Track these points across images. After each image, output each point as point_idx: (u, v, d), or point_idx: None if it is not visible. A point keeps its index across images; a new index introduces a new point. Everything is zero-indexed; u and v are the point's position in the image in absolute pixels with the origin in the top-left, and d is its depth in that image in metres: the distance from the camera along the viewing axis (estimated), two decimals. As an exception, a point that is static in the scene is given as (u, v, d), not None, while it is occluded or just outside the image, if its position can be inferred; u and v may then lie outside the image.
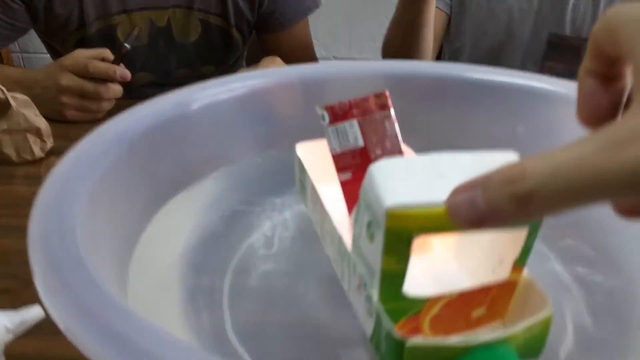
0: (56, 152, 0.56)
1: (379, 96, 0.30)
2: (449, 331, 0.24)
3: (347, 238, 0.27)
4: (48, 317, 0.20)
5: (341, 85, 0.44)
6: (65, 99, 0.62)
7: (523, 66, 0.85)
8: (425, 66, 0.46)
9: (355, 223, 0.24)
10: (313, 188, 0.32)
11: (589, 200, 0.15)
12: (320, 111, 0.29)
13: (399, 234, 0.21)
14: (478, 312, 0.25)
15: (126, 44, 0.64)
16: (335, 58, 1.58)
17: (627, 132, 0.15)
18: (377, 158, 0.30)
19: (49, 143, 0.57)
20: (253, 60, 0.81)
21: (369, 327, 0.24)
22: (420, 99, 0.45)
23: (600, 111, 0.20)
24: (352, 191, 0.29)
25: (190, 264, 0.34)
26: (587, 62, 0.20)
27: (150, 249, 0.33)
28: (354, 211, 0.27)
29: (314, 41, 0.91)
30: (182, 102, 0.37)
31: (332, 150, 0.29)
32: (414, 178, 0.22)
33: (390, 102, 0.31)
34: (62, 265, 0.23)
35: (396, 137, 0.31)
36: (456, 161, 0.22)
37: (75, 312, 0.20)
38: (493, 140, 0.43)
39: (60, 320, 0.20)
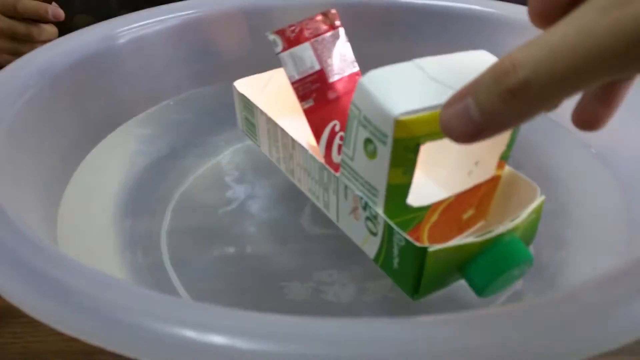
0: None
1: (327, 15, 0.29)
2: (445, 237, 0.25)
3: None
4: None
5: (283, 16, 0.42)
6: None
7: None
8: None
9: (346, 145, 0.23)
10: (270, 122, 0.30)
11: (591, 80, 0.14)
12: (271, 37, 0.27)
13: (407, 143, 0.21)
14: (468, 213, 0.25)
15: None
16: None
17: None
18: (334, 80, 0.29)
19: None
20: None
21: (372, 247, 0.24)
22: (367, 27, 0.43)
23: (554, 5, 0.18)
24: (316, 119, 0.28)
25: (126, 205, 0.33)
26: None
27: (81, 191, 0.31)
28: (323, 137, 0.28)
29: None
30: (110, 35, 0.35)
31: (290, 77, 0.28)
32: (408, 85, 0.21)
33: (339, 20, 0.29)
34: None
35: (350, 56, 0.30)
36: (441, 64, 0.21)
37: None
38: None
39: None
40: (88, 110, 0.33)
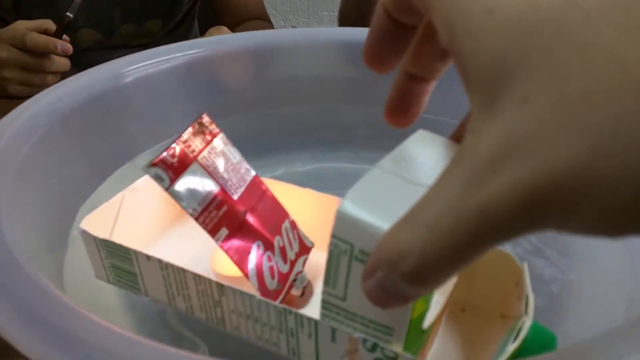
0: None
1: (202, 124, 0.25)
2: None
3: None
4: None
5: (291, 54, 0.43)
6: (6, 73, 0.59)
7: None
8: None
9: (329, 285, 0.20)
10: (170, 268, 0.24)
11: (480, 252, 0.13)
12: (152, 171, 0.22)
13: None
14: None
15: (69, 13, 0.61)
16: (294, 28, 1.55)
17: (482, 159, 0.13)
18: (239, 196, 0.25)
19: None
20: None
21: None
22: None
23: (385, 55, 0.18)
24: (236, 248, 0.24)
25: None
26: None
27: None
28: (251, 267, 0.24)
29: (272, 11, 0.88)
30: (117, 75, 0.35)
31: (192, 212, 0.23)
32: (395, 200, 0.18)
33: (214, 124, 0.26)
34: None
35: (241, 160, 0.26)
36: (403, 160, 0.19)
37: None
38: (450, 109, 0.43)
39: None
40: (96, 148, 0.34)
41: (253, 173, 0.26)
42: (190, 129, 0.24)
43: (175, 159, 0.23)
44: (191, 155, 0.24)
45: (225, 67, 0.41)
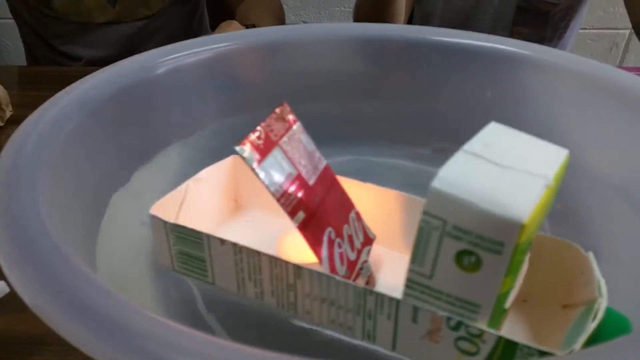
0: (16, 121, 0.54)
1: (283, 111, 0.26)
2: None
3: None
4: (13, 292, 0.20)
5: (310, 50, 0.43)
6: None
7: (493, 31, 0.85)
8: (396, 29, 0.46)
9: (416, 262, 0.20)
10: (244, 251, 0.24)
11: None
12: (242, 152, 0.23)
13: (525, 246, 0.19)
14: None
15: None
16: (305, 23, 1.55)
17: None
18: (314, 183, 0.26)
19: (8, 112, 0.55)
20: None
21: None
22: (391, 62, 0.44)
23: None
24: (311, 232, 0.25)
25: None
26: None
27: (118, 220, 0.32)
28: (324, 251, 0.24)
29: (284, 6, 0.89)
30: (146, 66, 0.36)
31: (274, 192, 0.24)
32: (488, 181, 0.19)
33: (292, 112, 0.27)
34: (26, 237, 0.22)
35: (315, 149, 0.27)
36: (489, 145, 0.20)
37: (41, 286, 0.20)
38: (462, 105, 0.43)
39: (26, 295, 0.19)
40: (125, 141, 0.34)
41: (325, 162, 0.27)
42: (272, 115, 0.25)
43: (261, 141, 0.24)
44: (274, 139, 0.25)
45: (248, 62, 0.41)
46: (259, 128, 0.24)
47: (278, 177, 0.24)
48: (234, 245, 0.24)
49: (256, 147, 0.24)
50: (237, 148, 0.23)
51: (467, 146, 0.20)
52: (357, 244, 0.27)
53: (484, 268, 0.19)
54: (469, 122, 0.44)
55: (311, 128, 0.45)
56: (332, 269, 0.25)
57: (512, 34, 0.85)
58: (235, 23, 0.72)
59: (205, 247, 0.25)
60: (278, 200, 0.24)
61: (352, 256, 0.27)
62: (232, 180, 0.32)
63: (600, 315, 0.22)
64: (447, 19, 0.87)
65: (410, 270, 0.21)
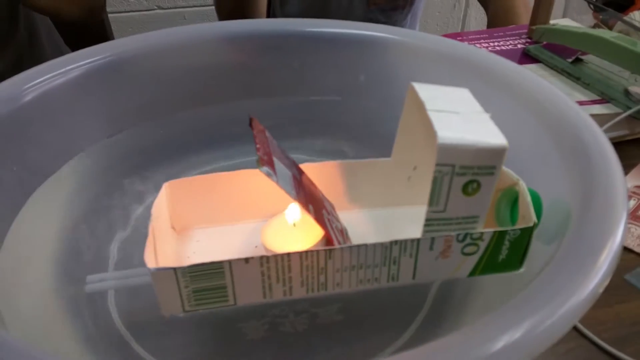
0: None
1: (256, 124, 0.28)
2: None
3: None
4: None
5: (184, 53, 0.42)
6: None
7: (350, 4, 0.88)
8: (265, 24, 0.46)
9: (434, 204, 0.25)
10: (273, 259, 0.25)
11: None
12: (265, 170, 0.25)
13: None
14: None
15: None
16: (160, 7, 1.48)
17: None
18: (297, 174, 0.29)
19: None
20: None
21: (466, 268, 0.27)
22: (265, 58, 0.45)
23: None
24: (319, 218, 0.28)
25: (64, 272, 0.32)
26: None
27: (13, 265, 0.30)
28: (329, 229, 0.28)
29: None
30: (13, 97, 0.33)
31: (294, 197, 0.26)
32: (466, 127, 0.24)
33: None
34: None
35: (283, 149, 0.29)
36: (441, 97, 0.26)
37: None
38: (338, 91, 0.45)
39: None
40: (3, 177, 0.32)
41: (290, 156, 0.30)
42: (255, 129, 0.27)
43: (266, 156, 0.25)
44: (268, 149, 0.26)
45: (120, 75, 0.39)
46: (258, 145, 0.26)
47: (289, 182, 0.26)
48: (261, 258, 0.25)
49: (268, 162, 0.25)
50: (262, 169, 0.25)
51: (430, 105, 0.25)
52: (335, 214, 0.31)
53: (482, 189, 0.25)
54: (347, 106, 0.46)
55: (197, 134, 0.45)
56: (339, 241, 0.28)
57: (368, 4, 0.89)
58: None
59: (226, 274, 0.25)
60: (300, 204, 0.27)
61: (339, 226, 0.30)
62: (170, 209, 0.32)
63: (527, 191, 0.28)
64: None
65: (428, 212, 0.25)
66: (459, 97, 0.27)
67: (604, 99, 0.51)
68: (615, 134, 0.49)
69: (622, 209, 0.24)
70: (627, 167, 0.44)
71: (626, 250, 0.38)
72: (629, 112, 0.48)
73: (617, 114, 0.48)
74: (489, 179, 0.25)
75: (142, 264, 0.27)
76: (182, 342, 0.29)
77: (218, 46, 0.44)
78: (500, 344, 0.18)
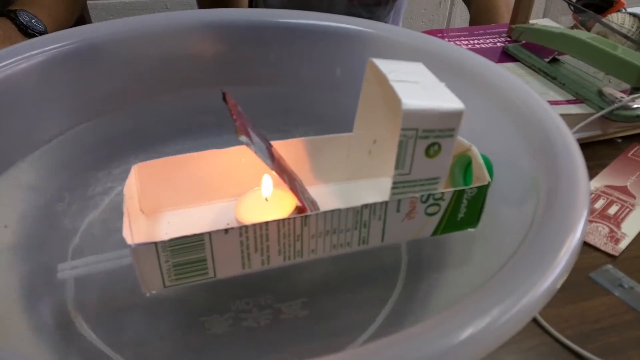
0: None
1: (229, 98, 0.28)
2: None
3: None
4: None
5: (157, 41, 0.41)
6: None
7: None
8: (241, 13, 0.45)
9: (399, 167, 0.26)
10: (252, 228, 0.26)
11: None
12: (244, 140, 0.25)
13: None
14: None
15: None
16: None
17: None
18: (271, 147, 0.30)
19: None
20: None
21: (429, 228, 0.29)
22: (241, 47, 0.44)
23: None
24: (294, 188, 0.29)
25: (23, 263, 0.31)
26: None
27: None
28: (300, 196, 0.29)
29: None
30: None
31: (272, 167, 0.27)
32: (424, 93, 0.26)
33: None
34: None
35: (255, 124, 0.30)
36: (401, 70, 0.27)
37: None
38: (314, 84, 0.45)
39: None
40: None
41: (261, 131, 0.30)
42: (229, 104, 0.27)
43: (242, 127, 0.26)
44: (243, 121, 0.27)
45: (87, 61, 0.38)
46: (234, 117, 0.26)
47: (266, 153, 0.27)
48: (240, 228, 0.25)
49: (246, 133, 0.26)
50: (241, 138, 0.25)
51: (392, 77, 0.26)
52: (303, 186, 0.32)
53: (443, 151, 0.26)
54: (322, 99, 0.46)
55: (170, 121, 0.44)
56: (311, 210, 0.29)
57: (351, 0, 0.89)
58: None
59: (206, 246, 0.25)
60: (275, 171, 0.27)
61: (309, 197, 0.32)
62: (140, 191, 0.32)
63: (479, 156, 0.30)
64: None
65: (395, 175, 0.26)
66: (415, 70, 0.28)
67: (578, 99, 0.51)
68: (588, 134, 0.49)
69: (583, 207, 0.24)
70: (598, 167, 0.44)
71: (592, 248, 0.38)
72: (601, 112, 0.48)
73: (591, 114, 0.49)
74: (449, 140, 0.26)
75: (109, 251, 0.27)
76: (142, 336, 0.29)
77: (191, 35, 0.43)
78: (459, 337, 0.18)
